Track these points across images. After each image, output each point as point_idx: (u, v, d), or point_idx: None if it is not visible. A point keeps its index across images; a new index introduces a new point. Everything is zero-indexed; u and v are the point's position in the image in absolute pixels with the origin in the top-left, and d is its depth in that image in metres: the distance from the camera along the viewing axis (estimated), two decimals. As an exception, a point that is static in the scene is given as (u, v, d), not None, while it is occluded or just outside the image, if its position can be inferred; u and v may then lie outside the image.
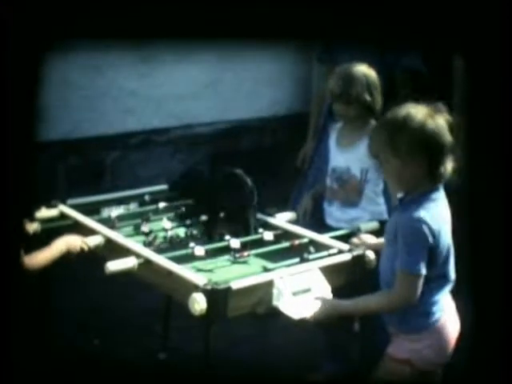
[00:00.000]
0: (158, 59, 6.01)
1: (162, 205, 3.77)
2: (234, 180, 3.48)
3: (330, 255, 3.09)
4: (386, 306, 2.74)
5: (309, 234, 3.31)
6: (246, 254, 3.15)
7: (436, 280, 2.70)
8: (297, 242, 3.25)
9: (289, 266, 3.01)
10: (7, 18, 2.22)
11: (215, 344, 3.11)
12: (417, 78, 4.28)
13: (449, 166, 2.66)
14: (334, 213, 3.65)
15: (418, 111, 2.68)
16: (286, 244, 3.26)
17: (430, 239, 2.62)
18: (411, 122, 2.65)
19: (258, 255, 3.17)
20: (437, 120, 2.65)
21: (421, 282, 2.64)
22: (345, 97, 3.58)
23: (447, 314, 2.77)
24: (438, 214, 2.67)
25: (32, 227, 3.37)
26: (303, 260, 3.06)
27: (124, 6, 2.39)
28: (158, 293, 3.42)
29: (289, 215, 3.62)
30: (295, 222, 3.57)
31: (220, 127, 6.46)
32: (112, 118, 5.93)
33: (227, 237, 3.30)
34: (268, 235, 3.34)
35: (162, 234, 3.39)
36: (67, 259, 3.18)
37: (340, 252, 3.09)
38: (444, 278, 2.73)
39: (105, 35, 2.54)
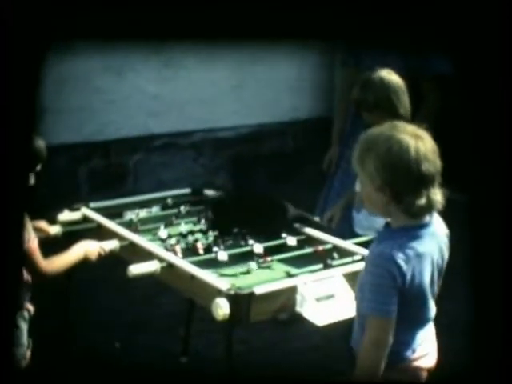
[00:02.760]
0: (180, 64, 6.03)
1: (184, 208, 3.77)
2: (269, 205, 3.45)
3: (353, 261, 3.07)
4: (364, 355, 2.43)
5: (332, 240, 3.29)
6: (269, 259, 3.14)
7: (406, 321, 2.45)
8: (320, 247, 3.23)
9: (312, 271, 3.00)
10: (8, 17, 2.21)
11: (237, 348, 3.09)
12: (445, 82, 4.22)
13: (436, 197, 2.39)
14: (361, 221, 3.62)
15: (396, 131, 2.39)
16: (309, 250, 3.24)
17: (399, 280, 2.36)
18: (381, 142, 2.38)
19: (281, 261, 3.16)
20: (418, 144, 2.36)
21: (391, 324, 2.38)
22: (364, 104, 3.55)
23: (418, 352, 2.54)
24: (415, 253, 2.40)
25: (54, 230, 3.38)
26: (327, 266, 3.04)
27: (128, 6, 2.38)
28: (180, 296, 3.41)
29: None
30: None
31: (242, 131, 6.47)
32: (135, 121, 5.95)
33: (250, 241, 3.29)
34: (291, 240, 3.32)
35: (185, 239, 3.38)
36: (85, 263, 3.19)
37: (364, 258, 3.07)
38: (416, 319, 2.52)
39: (107, 35, 2.53)
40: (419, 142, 2.38)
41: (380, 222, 3.52)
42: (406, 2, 2.51)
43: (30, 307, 3.07)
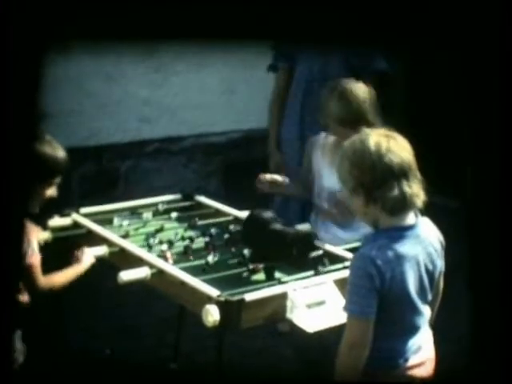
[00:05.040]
0: (171, 69, 6.02)
1: (174, 215, 3.76)
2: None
3: (344, 268, 3.06)
4: (341, 356, 2.44)
5: (324, 246, 3.29)
6: (260, 265, 3.13)
7: (392, 326, 2.47)
8: (312, 254, 3.23)
9: (303, 278, 3.00)
10: (8, 17, 2.20)
11: (228, 354, 3.09)
12: (385, 80, 4.25)
13: (411, 190, 2.41)
14: (328, 234, 3.59)
15: (363, 134, 2.47)
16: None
17: (377, 281, 2.36)
18: (349, 147, 2.48)
19: (271, 267, 3.14)
20: (380, 140, 2.42)
21: (367, 326, 2.39)
22: (346, 120, 3.44)
23: (411, 361, 2.53)
24: (395, 254, 2.40)
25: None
26: (318, 272, 3.04)
27: (130, 7, 2.38)
28: (170, 302, 3.41)
29: (305, 226, 3.59)
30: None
31: (234, 136, 6.46)
32: (126, 127, 5.94)
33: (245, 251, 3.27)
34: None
35: (175, 245, 3.37)
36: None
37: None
38: (404, 325, 2.51)
39: (108, 36, 2.52)
40: (382, 138, 2.43)
41: (346, 235, 3.51)
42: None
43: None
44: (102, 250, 3.24)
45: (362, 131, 2.52)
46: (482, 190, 2.38)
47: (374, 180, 2.41)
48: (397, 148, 2.43)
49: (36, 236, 2.99)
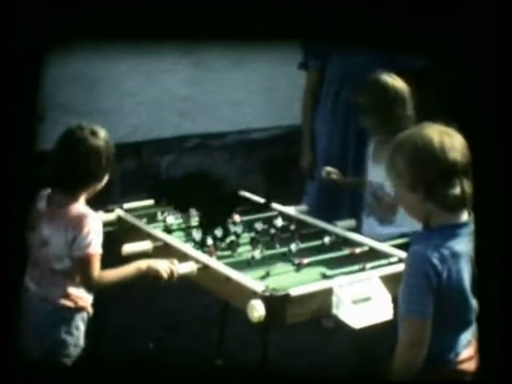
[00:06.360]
0: (210, 65, 6.02)
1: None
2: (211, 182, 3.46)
3: (390, 264, 3.03)
4: (399, 355, 2.41)
5: (369, 242, 3.26)
6: (305, 261, 3.11)
7: (448, 323, 2.43)
8: (357, 249, 3.20)
9: (348, 273, 2.97)
10: (8, 18, 2.21)
11: (272, 351, 3.07)
12: (422, 78, 4.22)
13: (470, 190, 2.37)
14: (369, 229, 3.59)
15: (421, 129, 2.44)
16: (345, 251, 3.21)
17: (435, 281, 2.34)
18: (406, 141, 2.44)
19: (317, 262, 3.12)
20: (443, 137, 2.38)
21: (426, 325, 2.36)
22: (361, 106, 3.59)
23: (462, 355, 2.49)
24: (451, 252, 2.37)
25: None
26: (363, 268, 3.01)
27: (157, 7, 2.38)
28: (213, 298, 3.40)
29: (349, 222, 3.56)
30: (355, 229, 3.52)
31: (275, 133, 6.45)
32: (166, 122, 5.95)
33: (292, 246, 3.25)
34: (327, 242, 3.30)
35: (220, 240, 3.36)
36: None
37: (400, 261, 3.02)
38: (458, 321, 2.47)
39: (137, 37, 2.53)
40: (444, 135, 2.39)
41: (386, 231, 3.49)
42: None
43: (90, 309, 3.09)
44: (189, 267, 3.06)
45: (420, 126, 2.47)
46: (485, 193, 2.35)
47: (437, 176, 2.37)
48: (459, 145, 2.39)
49: (99, 228, 2.98)
